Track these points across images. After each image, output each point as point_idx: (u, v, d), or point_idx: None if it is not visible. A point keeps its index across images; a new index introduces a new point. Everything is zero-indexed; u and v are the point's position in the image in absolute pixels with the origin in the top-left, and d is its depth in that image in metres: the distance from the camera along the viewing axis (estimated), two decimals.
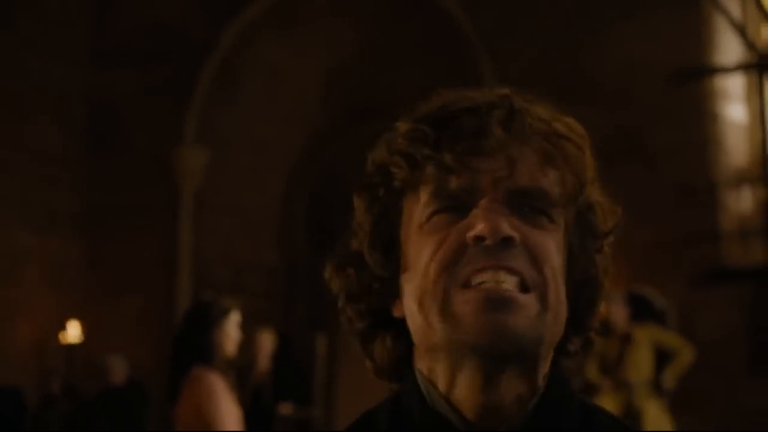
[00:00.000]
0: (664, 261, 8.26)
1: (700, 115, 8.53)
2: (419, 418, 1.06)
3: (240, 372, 7.44)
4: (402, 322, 1.08)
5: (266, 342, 7.57)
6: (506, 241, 0.99)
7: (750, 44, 8.49)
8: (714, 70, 8.61)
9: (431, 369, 1.05)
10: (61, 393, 8.29)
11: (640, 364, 6.91)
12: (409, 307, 1.05)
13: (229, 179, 10.49)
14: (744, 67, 8.68)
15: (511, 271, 1.00)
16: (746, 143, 8.80)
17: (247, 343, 7.47)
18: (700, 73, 8.53)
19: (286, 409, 7.61)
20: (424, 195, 1.05)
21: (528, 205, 1.04)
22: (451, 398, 1.04)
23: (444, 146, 1.04)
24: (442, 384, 1.04)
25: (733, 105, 8.75)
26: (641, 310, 7.17)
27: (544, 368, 1.04)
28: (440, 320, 1.00)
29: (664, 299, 7.87)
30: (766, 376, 7.85)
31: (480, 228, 0.99)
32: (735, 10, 8.59)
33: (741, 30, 8.45)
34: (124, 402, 8.12)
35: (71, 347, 8.87)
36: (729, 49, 8.69)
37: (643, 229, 8.31)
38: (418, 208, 1.06)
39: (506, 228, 0.99)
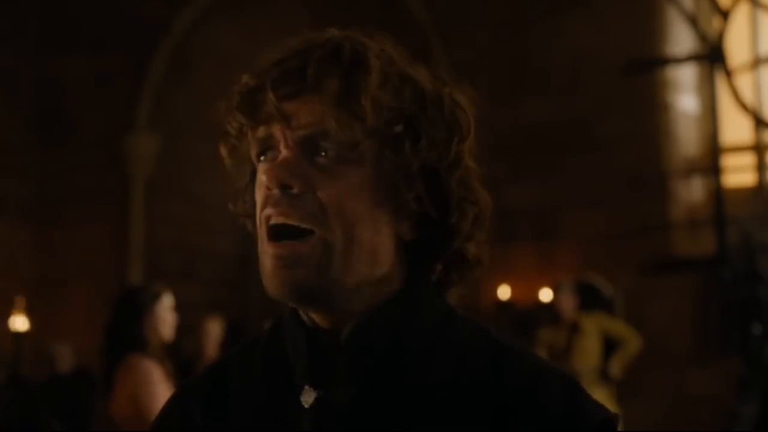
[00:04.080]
0: (614, 250, 8.30)
1: (651, 105, 8.57)
2: (287, 322, 1.20)
3: (188, 360, 7.39)
4: None
5: (214, 329, 7.50)
6: (286, 189, 1.09)
7: (701, 35, 8.53)
8: (665, 61, 8.65)
9: None
10: (7, 381, 8.16)
11: (588, 353, 6.94)
12: None
13: (182, 166, 10.39)
14: (695, 58, 8.72)
15: (291, 217, 1.09)
16: (697, 134, 8.86)
17: (197, 331, 7.43)
18: (652, 63, 8.57)
19: None
20: (252, 140, 1.16)
21: (324, 149, 1.11)
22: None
23: (260, 98, 1.13)
24: None
25: (685, 96, 8.80)
26: (589, 299, 7.20)
27: (377, 289, 1.13)
28: (261, 270, 1.14)
29: (612, 288, 7.91)
30: (714, 365, 7.92)
31: (263, 179, 1.11)
32: (686, 1, 8.63)
33: (692, 21, 8.49)
34: (71, 390, 8.01)
35: (18, 335, 8.72)
36: (680, 39, 8.73)
37: (594, 219, 8.37)
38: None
39: (285, 176, 1.09)
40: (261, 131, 1.13)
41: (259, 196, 1.13)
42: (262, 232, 1.12)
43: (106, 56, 10.24)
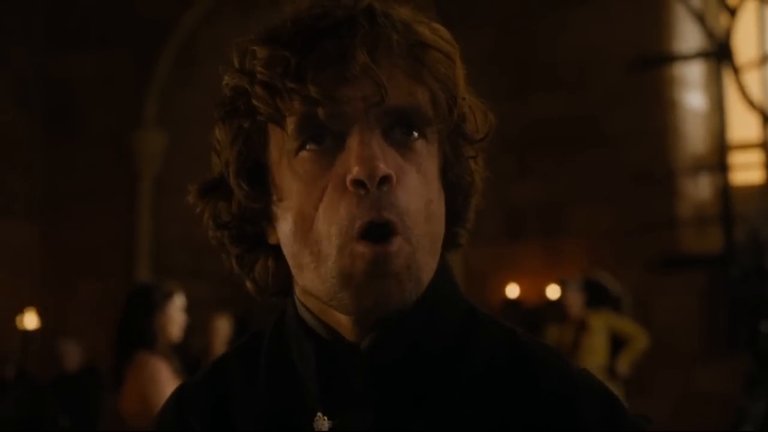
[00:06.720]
0: (621, 247, 8.29)
1: (659, 102, 8.56)
2: (291, 330, 1.06)
3: (196, 357, 7.39)
4: (279, 247, 1.05)
5: (222, 327, 7.50)
6: (384, 180, 0.94)
7: (709, 32, 8.51)
8: (673, 58, 8.64)
9: (306, 295, 1.04)
10: (15, 379, 8.18)
11: (595, 350, 6.92)
12: (288, 244, 1.02)
13: (189, 162, 10.33)
14: (703, 55, 8.71)
15: (391, 219, 0.95)
16: (704, 131, 8.85)
17: (204, 328, 7.43)
18: (659, 60, 8.56)
19: None
20: (290, 125, 0.99)
21: (402, 126, 0.99)
22: (322, 318, 1.03)
23: (308, 75, 0.97)
24: (315, 309, 1.04)
25: (692, 92, 8.80)
26: (597, 296, 7.17)
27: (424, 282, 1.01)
28: (324, 276, 0.97)
29: (619, 285, 7.90)
30: (722, 362, 7.91)
31: (356, 171, 0.94)
32: None
33: (700, 17, 8.47)
34: (79, 388, 8.03)
35: (27, 333, 8.76)
36: (688, 36, 8.72)
37: (601, 216, 8.36)
38: (286, 137, 1.00)
39: (382, 167, 0.94)
40: (305, 110, 0.97)
41: (306, 191, 0.98)
42: (330, 231, 0.96)
43: (114, 54, 10.26)
